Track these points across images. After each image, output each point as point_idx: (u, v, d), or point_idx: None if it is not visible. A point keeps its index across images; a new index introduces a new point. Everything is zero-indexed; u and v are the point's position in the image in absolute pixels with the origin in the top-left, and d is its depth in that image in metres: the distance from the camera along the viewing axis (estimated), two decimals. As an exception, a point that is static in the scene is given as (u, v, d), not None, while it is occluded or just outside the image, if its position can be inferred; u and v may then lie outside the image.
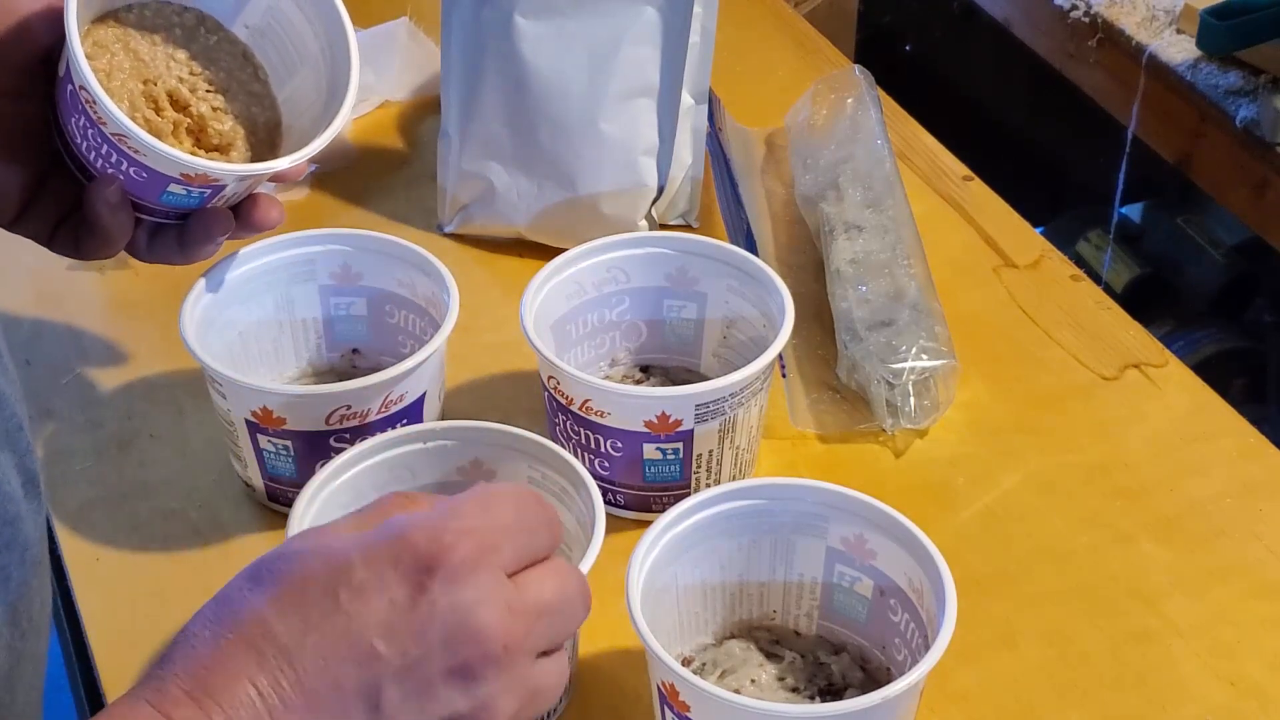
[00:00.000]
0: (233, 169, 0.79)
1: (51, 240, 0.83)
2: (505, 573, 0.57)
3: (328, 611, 0.54)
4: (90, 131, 0.77)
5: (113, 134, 0.76)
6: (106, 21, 0.81)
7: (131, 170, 0.78)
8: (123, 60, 0.80)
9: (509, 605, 0.56)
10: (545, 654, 0.59)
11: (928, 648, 0.72)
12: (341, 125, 0.81)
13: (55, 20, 0.76)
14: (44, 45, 0.78)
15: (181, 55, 0.82)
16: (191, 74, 0.83)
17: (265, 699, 0.53)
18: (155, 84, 0.81)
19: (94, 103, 0.75)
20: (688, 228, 1.14)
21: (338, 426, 0.86)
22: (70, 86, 0.77)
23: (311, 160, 0.81)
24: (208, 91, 0.83)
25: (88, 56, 0.78)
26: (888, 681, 0.73)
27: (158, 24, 0.83)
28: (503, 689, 0.56)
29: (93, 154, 0.78)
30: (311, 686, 0.54)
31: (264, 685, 0.54)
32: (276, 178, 0.84)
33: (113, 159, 0.78)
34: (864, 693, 0.72)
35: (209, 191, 0.80)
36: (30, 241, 0.84)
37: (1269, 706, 0.82)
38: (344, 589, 0.54)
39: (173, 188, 0.79)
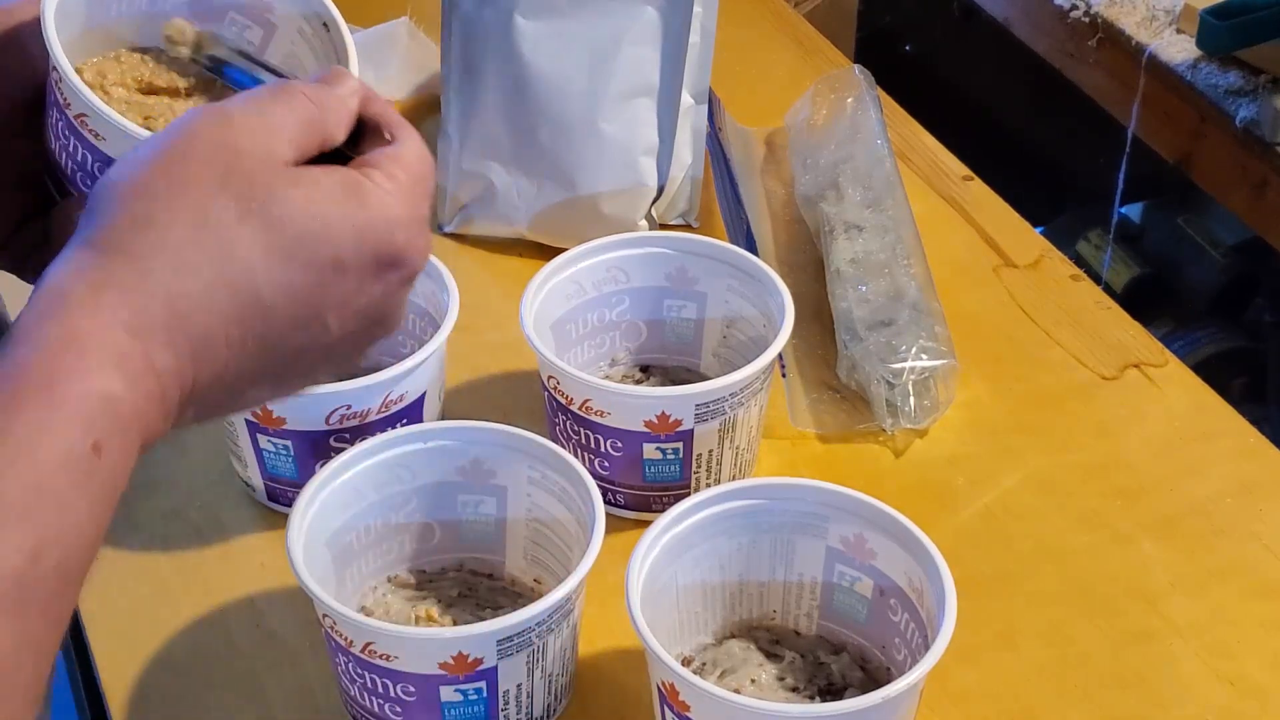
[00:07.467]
0: None
1: (22, 270, 0.83)
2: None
3: (310, 283, 0.56)
4: (60, 125, 0.76)
5: (75, 117, 0.75)
6: (117, 57, 0.81)
7: (96, 167, 0.76)
8: (125, 95, 0.80)
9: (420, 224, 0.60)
10: None
11: (928, 648, 0.72)
12: None
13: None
14: (37, 79, 0.77)
15: (190, 101, 0.82)
16: None
17: (230, 348, 0.55)
18: (156, 121, 0.80)
19: (61, 81, 0.74)
20: (688, 228, 1.14)
21: (338, 426, 0.86)
22: (49, 79, 0.76)
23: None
24: None
25: (88, 84, 0.77)
26: (888, 681, 0.73)
27: (171, 68, 0.82)
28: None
29: (63, 156, 0.77)
30: (270, 343, 0.56)
31: (234, 337, 0.55)
32: None
33: (78, 155, 0.76)
34: (864, 693, 0.72)
35: None
36: None
37: (1269, 706, 0.82)
38: (330, 268, 0.57)
39: None
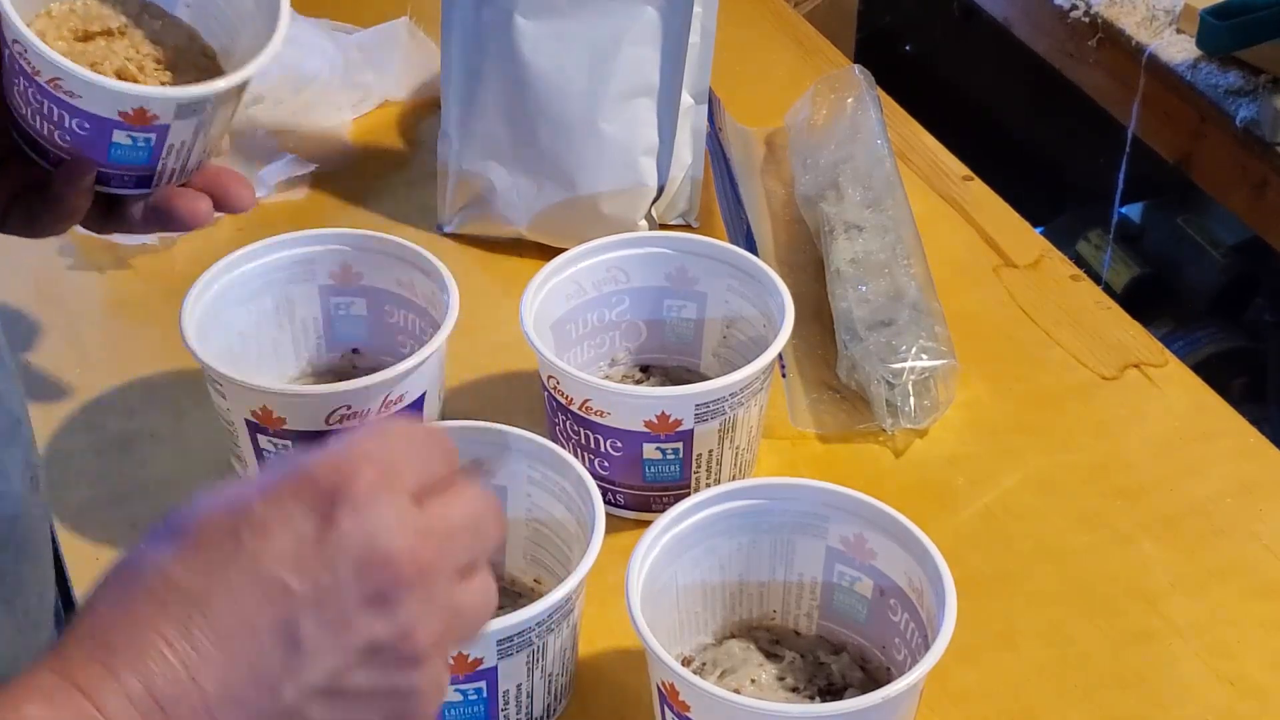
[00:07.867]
0: (165, 92, 0.78)
1: (3, 224, 0.83)
2: (409, 496, 0.55)
3: (231, 553, 0.53)
4: (30, 91, 0.76)
5: (48, 81, 0.75)
6: (48, 13, 0.81)
7: (75, 124, 0.77)
8: (65, 48, 0.80)
9: (416, 528, 0.55)
10: (467, 577, 0.57)
11: (928, 648, 0.72)
12: (271, 59, 0.79)
13: None
14: None
15: (126, 39, 0.82)
16: (139, 53, 0.82)
17: (176, 649, 0.51)
18: (102, 65, 0.80)
19: (26, 52, 0.74)
20: (688, 228, 1.14)
21: (338, 426, 0.86)
22: (8, 51, 0.76)
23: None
24: (155, 69, 0.82)
25: None
26: (888, 681, 0.73)
27: (102, 14, 0.82)
28: (422, 612, 0.54)
29: (38, 120, 0.77)
30: (224, 630, 0.52)
31: (172, 634, 0.52)
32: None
33: (55, 116, 0.77)
34: (864, 693, 0.72)
35: (154, 136, 0.78)
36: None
37: (1269, 706, 0.82)
38: (246, 529, 0.53)
39: (117, 136, 0.77)
